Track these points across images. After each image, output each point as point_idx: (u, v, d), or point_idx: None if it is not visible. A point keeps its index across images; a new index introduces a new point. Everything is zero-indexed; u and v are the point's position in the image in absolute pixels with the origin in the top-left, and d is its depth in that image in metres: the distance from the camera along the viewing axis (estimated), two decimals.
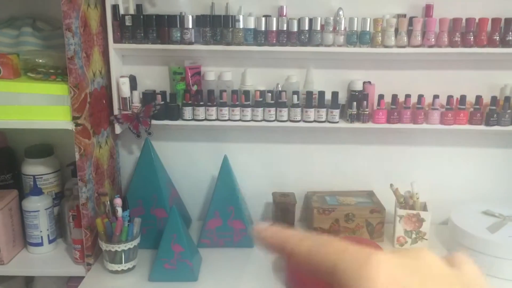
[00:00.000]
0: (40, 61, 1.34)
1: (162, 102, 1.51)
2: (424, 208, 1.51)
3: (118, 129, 1.52)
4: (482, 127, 1.49)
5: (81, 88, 1.29)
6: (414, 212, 1.48)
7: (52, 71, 1.33)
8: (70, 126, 1.28)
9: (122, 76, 1.49)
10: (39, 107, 1.29)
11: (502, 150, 1.64)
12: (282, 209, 1.59)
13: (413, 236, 1.49)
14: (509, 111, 1.47)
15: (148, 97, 1.51)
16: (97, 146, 1.42)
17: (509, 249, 1.32)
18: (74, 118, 1.28)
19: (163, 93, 1.52)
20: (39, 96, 1.29)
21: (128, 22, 1.43)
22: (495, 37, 1.42)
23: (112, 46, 1.44)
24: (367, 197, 1.63)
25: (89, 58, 1.35)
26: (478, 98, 1.49)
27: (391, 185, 1.53)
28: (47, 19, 1.51)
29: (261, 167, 1.68)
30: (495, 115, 1.47)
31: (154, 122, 1.51)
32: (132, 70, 1.56)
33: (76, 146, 1.29)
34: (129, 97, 1.50)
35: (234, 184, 1.50)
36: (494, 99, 1.48)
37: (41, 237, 1.46)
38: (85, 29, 1.31)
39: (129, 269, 1.36)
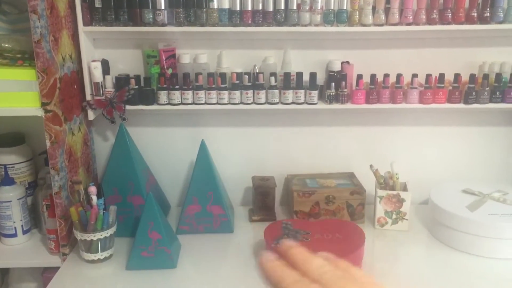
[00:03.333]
0: (6, 45, 1.28)
1: (136, 87, 1.47)
2: (404, 188, 1.51)
3: (91, 115, 1.48)
4: (461, 106, 1.48)
5: (49, 73, 1.24)
6: (394, 192, 1.47)
7: (19, 56, 1.28)
8: (40, 112, 1.24)
9: (93, 60, 1.45)
10: (6, 93, 1.24)
11: (481, 128, 1.64)
12: (262, 193, 1.56)
13: (394, 216, 1.49)
14: (487, 88, 1.46)
15: (122, 81, 1.46)
16: (70, 133, 1.37)
17: (488, 227, 1.32)
18: (43, 105, 1.23)
19: (137, 77, 1.47)
20: (6, 82, 1.24)
21: (97, 4, 1.38)
22: (472, 14, 1.40)
23: (82, 29, 1.39)
24: (347, 179, 1.62)
25: (58, 42, 1.30)
26: (457, 76, 1.47)
27: (371, 166, 1.52)
28: (13, 1, 1.45)
29: (239, 151, 1.65)
30: (473, 93, 1.46)
31: (128, 107, 1.47)
32: (104, 54, 1.51)
33: (46, 133, 1.25)
34: (101, 82, 1.45)
35: (212, 169, 1.48)
36: (472, 77, 1.47)
37: (15, 228, 1.42)
38: (52, 12, 1.26)
39: (106, 258, 1.33)
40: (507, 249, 1.32)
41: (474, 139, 1.65)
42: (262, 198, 1.57)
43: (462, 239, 1.36)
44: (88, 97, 1.45)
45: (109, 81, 1.47)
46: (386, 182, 1.52)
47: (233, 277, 1.26)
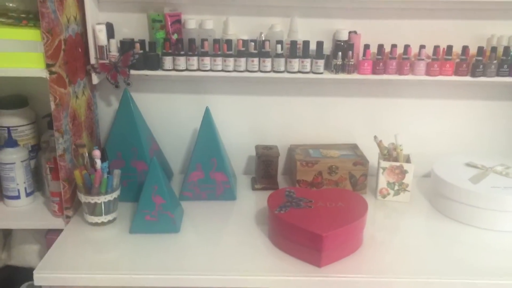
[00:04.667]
0: (11, 5, 1.27)
1: (141, 51, 1.45)
2: (408, 160, 1.51)
3: (95, 79, 1.47)
4: (467, 78, 1.47)
5: (54, 34, 1.22)
6: (397, 164, 1.48)
7: (23, 15, 1.26)
8: (44, 74, 1.22)
9: (98, 23, 1.43)
10: (10, 53, 1.22)
11: (487, 102, 1.63)
12: (265, 162, 1.57)
13: (396, 187, 1.49)
14: (495, 61, 1.45)
15: (126, 45, 1.45)
16: (74, 96, 1.36)
17: (490, 200, 1.32)
18: (48, 66, 1.22)
19: (142, 42, 1.46)
20: (10, 42, 1.22)
21: None
22: None
23: None
24: (350, 149, 1.62)
25: (62, 2, 1.28)
26: (465, 49, 1.46)
27: (375, 137, 1.52)
28: None
29: (244, 119, 1.65)
30: (481, 66, 1.45)
31: (133, 72, 1.45)
32: (109, 18, 1.49)
33: (51, 95, 1.24)
34: (106, 46, 1.43)
35: (216, 136, 1.47)
36: (480, 50, 1.45)
37: (18, 190, 1.42)
38: None
39: (109, 221, 1.33)
40: (508, 221, 1.33)
41: (480, 113, 1.65)
42: (265, 167, 1.57)
43: (464, 211, 1.37)
44: (93, 60, 1.44)
45: (114, 45, 1.45)
46: (389, 154, 1.52)
47: (236, 243, 1.27)
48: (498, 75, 1.47)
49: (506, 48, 1.46)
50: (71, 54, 1.34)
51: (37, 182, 1.51)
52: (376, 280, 1.14)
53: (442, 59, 1.46)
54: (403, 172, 1.47)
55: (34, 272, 1.12)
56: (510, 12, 1.51)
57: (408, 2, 1.44)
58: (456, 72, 1.47)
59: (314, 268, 1.16)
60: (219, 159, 1.46)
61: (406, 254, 1.23)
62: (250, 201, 1.50)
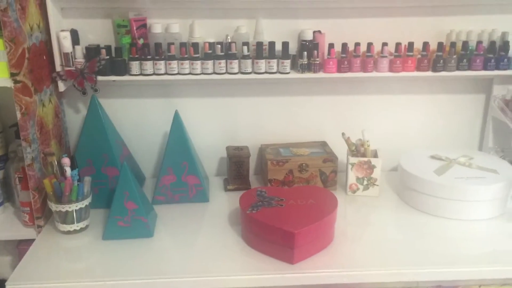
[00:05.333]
0: None
1: (107, 57, 1.44)
2: (375, 155, 1.55)
3: (61, 86, 1.45)
4: (429, 73, 1.52)
5: (17, 42, 1.21)
6: (365, 159, 1.51)
7: None
8: (9, 83, 1.21)
9: (62, 30, 1.41)
10: None
11: (449, 96, 1.69)
12: (237, 163, 1.58)
13: (365, 182, 1.53)
14: (454, 56, 1.50)
15: (92, 52, 1.44)
16: (40, 104, 1.35)
17: (454, 190, 1.37)
18: (13, 75, 1.21)
19: (107, 48, 1.45)
20: None
21: None
22: None
23: None
24: (320, 147, 1.65)
25: (25, 10, 1.26)
26: (425, 45, 1.51)
27: (343, 134, 1.55)
28: None
29: (213, 121, 1.66)
30: (441, 61, 1.50)
31: (100, 78, 1.45)
32: (73, 24, 1.48)
33: (16, 104, 1.22)
34: (71, 53, 1.42)
35: (187, 139, 1.48)
36: (440, 45, 1.50)
37: None
38: None
39: (81, 229, 1.33)
40: (472, 210, 1.38)
41: (442, 107, 1.70)
42: (236, 168, 1.59)
43: (430, 202, 1.41)
44: (58, 68, 1.43)
45: (79, 51, 1.44)
46: (357, 150, 1.55)
47: (209, 244, 1.28)
48: (458, 69, 1.52)
49: (465, 43, 1.51)
50: (35, 62, 1.32)
51: (6, 193, 1.49)
52: (348, 273, 1.16)
53: (404, 56, 1.50)
54: (371, 167, 1.51)
55: (7, 283, 1.11)
56: (467, 7, 1.56)
57: (369, 1, 1.47)
58: (418, 68, 1.52)
59: (287, 265, 1.18)
60: (190, 162, 1.47)
61: (376, 247, 1.27)
62: (223, 202, 1.52)
